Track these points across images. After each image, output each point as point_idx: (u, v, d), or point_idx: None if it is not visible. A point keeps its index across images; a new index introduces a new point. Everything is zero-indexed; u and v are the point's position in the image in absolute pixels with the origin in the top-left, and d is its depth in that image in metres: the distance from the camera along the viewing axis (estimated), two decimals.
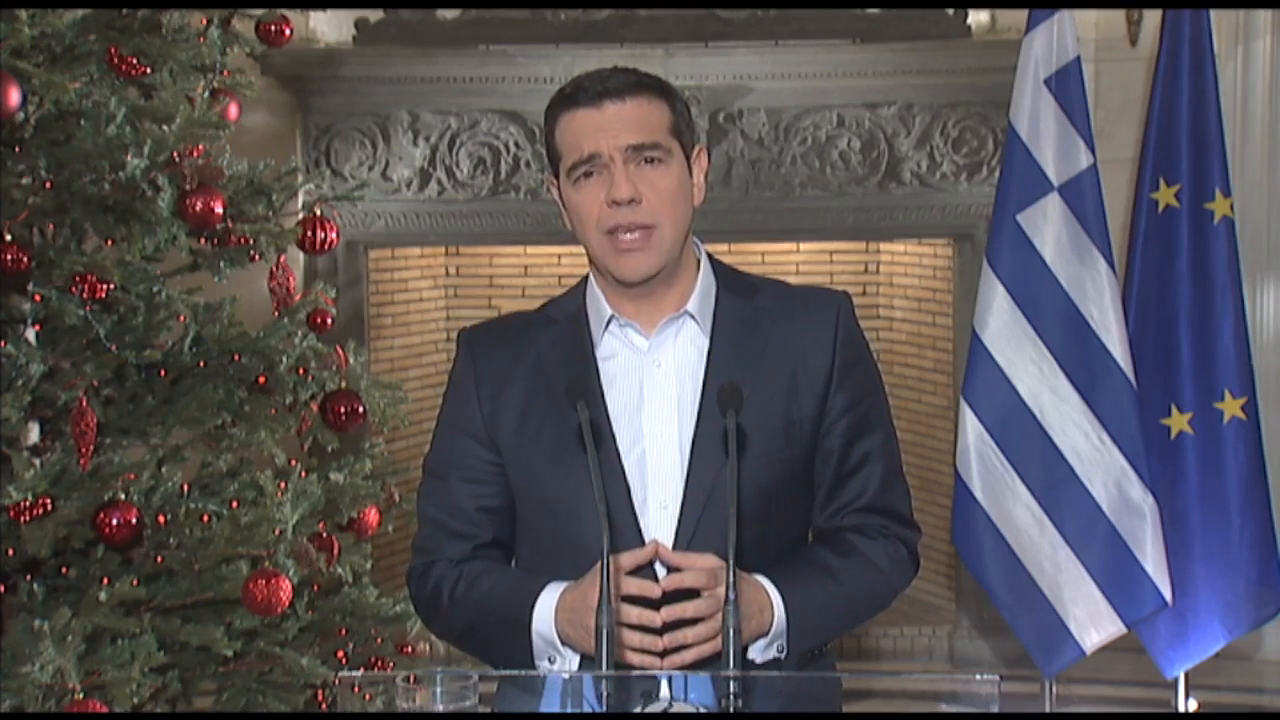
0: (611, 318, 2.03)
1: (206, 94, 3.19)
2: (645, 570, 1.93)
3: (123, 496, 2.87)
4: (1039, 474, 3.68)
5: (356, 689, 1.73)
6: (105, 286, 2.91)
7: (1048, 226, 3.69)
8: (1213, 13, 3.80)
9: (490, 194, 5.00)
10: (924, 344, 5.37)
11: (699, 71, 4.82)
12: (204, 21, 3.33)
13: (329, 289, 3.46)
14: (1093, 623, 3.67)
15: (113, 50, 3.00)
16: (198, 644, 2.94)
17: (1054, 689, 3.84)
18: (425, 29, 4.99)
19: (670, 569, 1.91)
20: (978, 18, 5.00)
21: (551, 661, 1.93)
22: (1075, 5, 3.79)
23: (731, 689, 1.68)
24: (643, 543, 1.95)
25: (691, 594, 1.87)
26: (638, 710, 1.70)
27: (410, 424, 3.78)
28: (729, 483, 1.80)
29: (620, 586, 1.85)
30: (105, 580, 2.89)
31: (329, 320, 3.41)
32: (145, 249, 3.00)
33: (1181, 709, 3.88)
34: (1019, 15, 4.05)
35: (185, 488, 3.04)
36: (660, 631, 1.87)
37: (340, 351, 3.34)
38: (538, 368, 2.04)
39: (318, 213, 3.34)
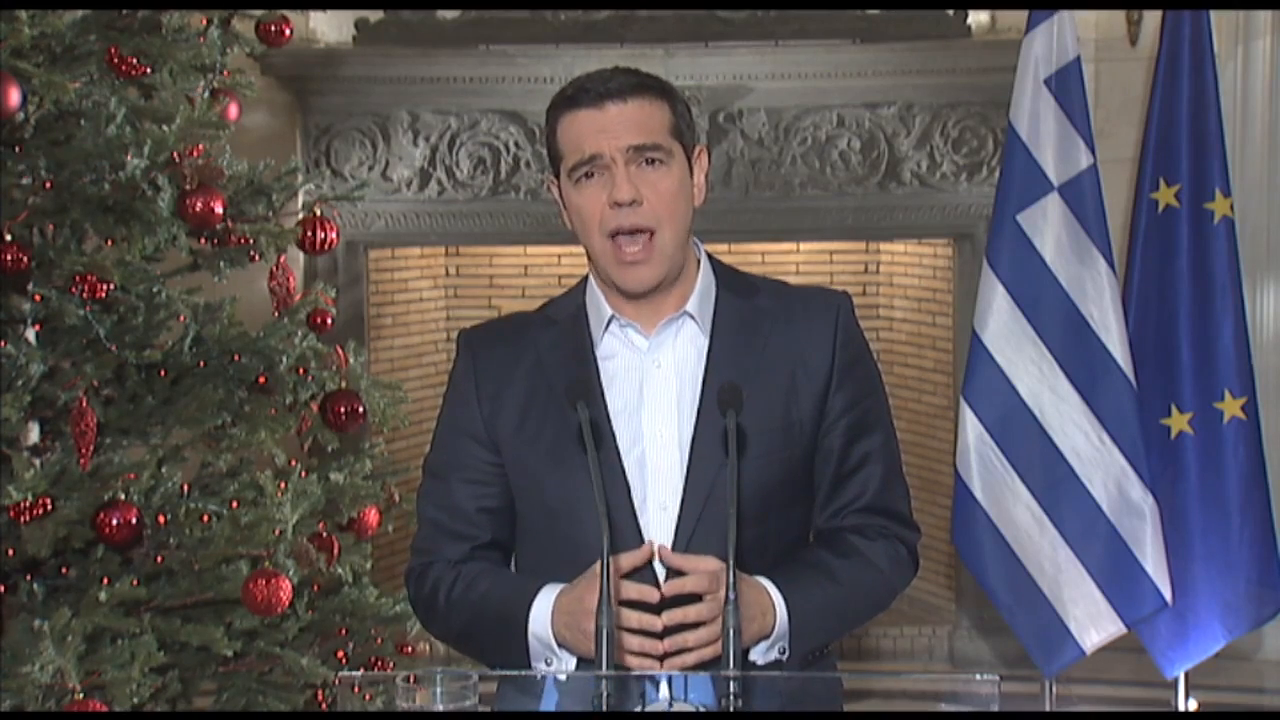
0: (612, 318, 2.03)
1: (206, 94, 3.19)
2: (644, 571, 1.93)
3: (123, 496, 2.87)
4: (1039, 474, 3.68)
5: (356, 689, 1.72)
6: (105, 286, 2.91)
7: (1048, 226, 3.69)
8: (1213, 13, 3.80)
9: (490, 194, 5.00)
10: (924, 344, 5.37)
11: (699, 71, 4.82)
12: (204, 21, 3.33)
13: (329, 289, 3.46)
14: (1093, 623, 3.67)
15: (113, 50, 3.00)
16: (198, 644, 2.94)
17: (1054, 689, 3.84)
18: (425, 29, 4.99)
19: (671, 572, 1.91)
20: (978, 18, 5.00)
21: (548, 664, 1.93)
22: (1075, 5, 3.79)
23: (731, 689, 1.68)
24: (642, 543, 1.95)
25: (692, 598, 1.87)
26: (638, 710, 1.70)
27: (410, 424, 3.78)
28: (729, 482, 1.80)
29: (619, 591, 1.85)
30: (105, 580, 2.89)
31: (329, 320, 3.41)
32: (145, 249, 3.01)
33: (1181, 709, 3.88)
34: (1019, 15, 4.04)
35: (185, 488, 3.04)
36: (661, 635, 1.86)
37: (340, 351, 3.34)
38: (538, 368, 2.04)
39: (318, 213, 3.34)
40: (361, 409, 3.30)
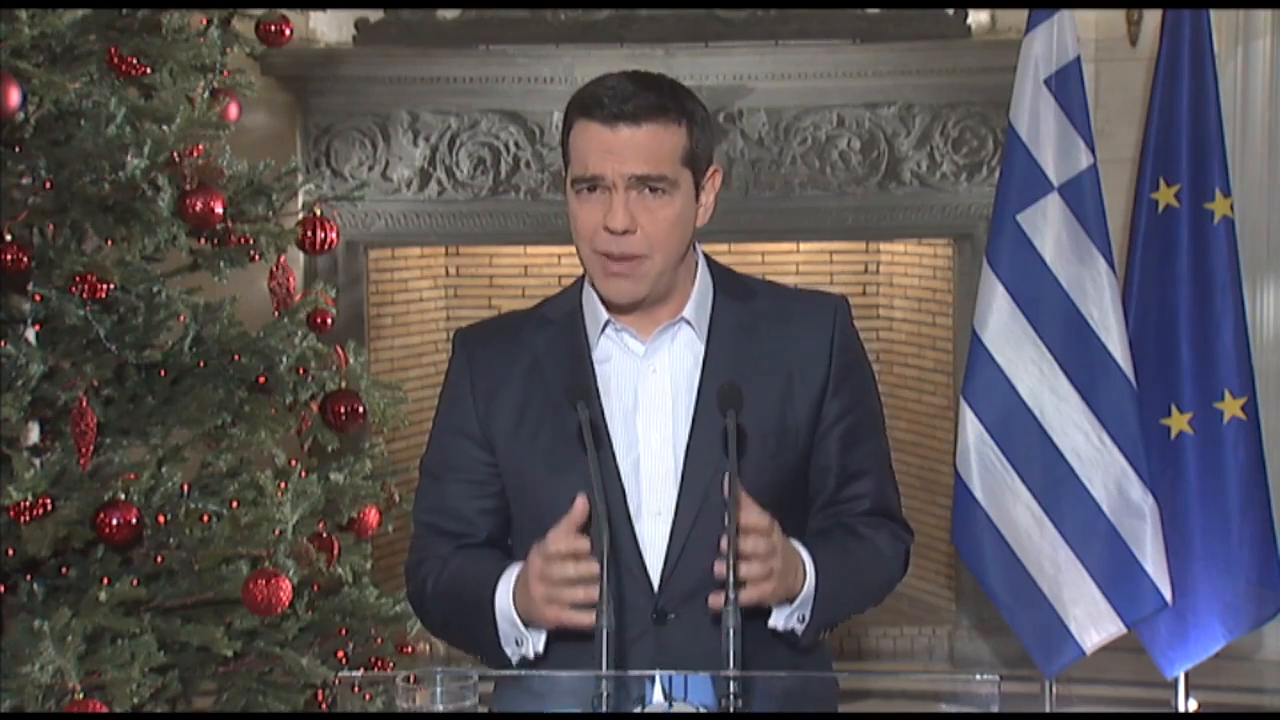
0: (608, 322, 2.02)
1: (206, 94, 3.18)
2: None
3: (123, 496, 2.87)
4: (1039, 474, 3.68)
5: (356, 689, 1.72)
6: (105, 286, 2.91)
7: (1048, 226, 3.69)
8: (1213, 13, 3.80)
9: (490, 194, 4.99)
10: (924, 344, 5.37)
11: (699, 71, 4.82)
12: (204, 21, 3.33)
13: (329, 289, 3.46)
14: (1093, 623, 3.67)
15: (113, 50, 3.00)
16: (198, 644, 2.94)
17: (1054, 689, 3.84)
18: (425, 29, 4.99)
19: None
20: (978, 18, 5.00)
21: (519, 644, 1.92)
22: (1075, 5, 3.79)
23: (731, 689, 1.67)
24: (638, 548, 1.95)
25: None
26: (637, 710, 1.70)
27: (410, 424, 3.78)
28: (729, 481, 1.79)
29: (550, 541, 1.82)
30: (105, 580, 2.89)
31: (329, 320, 3.41)
32: (145, 249, 3.00)
33: (1181, 709, 3.88)
34: (1019, 15, 4.04)
35: (185, 488, 3.04)
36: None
37: (340, 351, 3.34)
38: (534, 369, 2.04)
39: (318, 213, 3.34)
40: (361, 409, 3.30)
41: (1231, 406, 3.72)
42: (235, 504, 3.04)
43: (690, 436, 1.98)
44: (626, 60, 4.71)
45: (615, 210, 1.91)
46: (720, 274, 2.08)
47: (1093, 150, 3.69)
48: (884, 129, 4.97)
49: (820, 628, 1.96)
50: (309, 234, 3.32)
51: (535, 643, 1.92)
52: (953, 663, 5.12)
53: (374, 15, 5.00)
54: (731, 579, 1.74)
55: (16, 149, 2.94)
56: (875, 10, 4.95)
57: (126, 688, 2.75)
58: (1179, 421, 3.75)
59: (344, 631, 3.27)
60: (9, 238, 2.84)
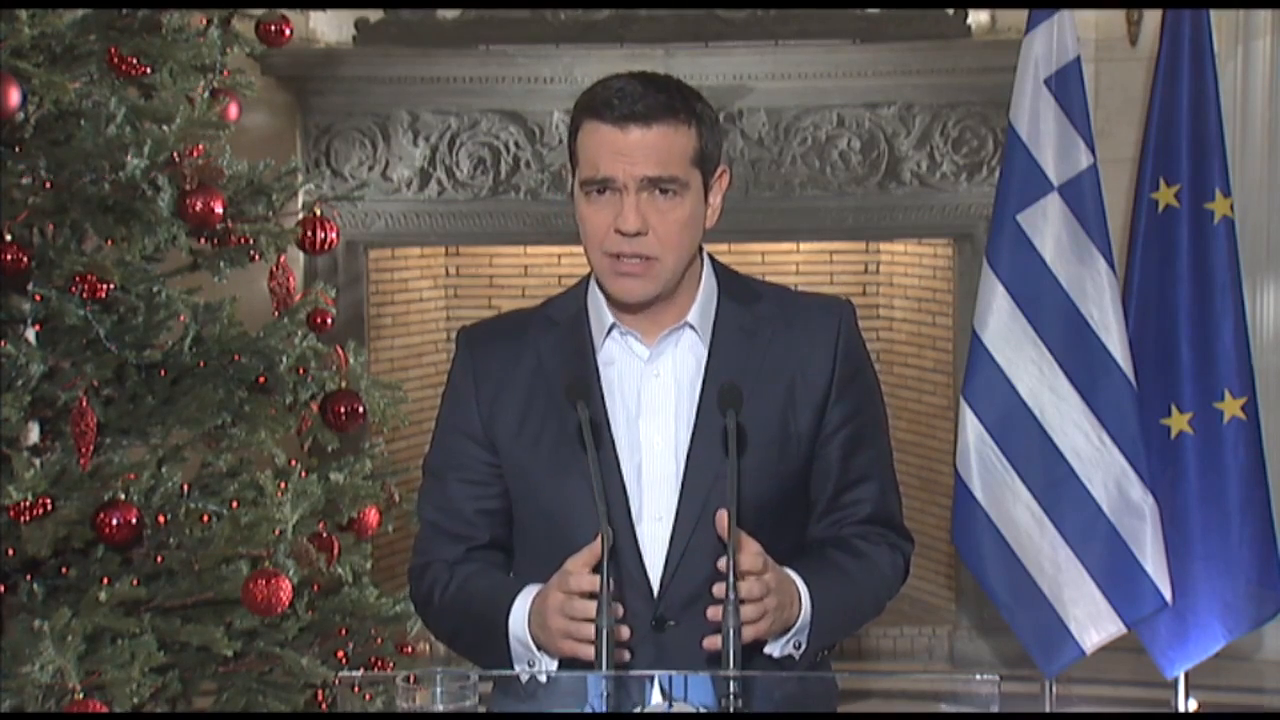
0: (613, 325, 2.02)
1: (206, 94, 3.18)
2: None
3: (123, 496, 2.87)
4: (1039, 474, 3.68)
5: (356, 689, 1.72)
6: (105, 286, 2.91)
7: (1048, 226, 3.69)
8: (1213, 13, 3.80)
9: (490, 194, 4.99)
10: (924, 344, 5.37)
11: (699, 71, 4.82)
12: (204, 21, 3.33)
13: (329, 289, 3.46)
14: (1093, 623, 3.67)
15: (113, 50, 3.00)
16: (198, 644, 2.94)
17: (1054, 689, 3.84)
18: (425, 29, 4.99)
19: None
20: (978, 18, 5.00)
21: (531, 665, 1.92)
22: (1075, 5, 3.79)
23: (731, 689, 1.67)
24: (639, 552, 1.95)
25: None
26: (637, 710, 1.70)
27: (410, 424, 3.78)
28: (729, 481, 1.79)
29: (574, 582, 1.82)
30: (105, 580, 2.89)
31: (329, 320, 3.41)
32: (145, 249, 3.00)
33: (1181, 709, 3.88)
34: (1019, 15, 4.04)
35: (185, 488, 3.04)
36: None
37: (340, 351, 3.34)
38: (538, 370, 2.03)
39: (318, 213, 3.34)
40: (361, 409, 3.30)
41: (1231, 406, 3.72)
42: (235, 504, 3.04)
43: (691, 441, 1.97)
44: (626, 60, 4.71)
45: (627, 212, 1.91)
46: (725, 277, 2.08)
47: (1093, 150, 3.69)
48: (884, 129, 4.97)
49: (816, 651, 1.96)
50: (309, 234, 3.32)
51: (548, 665, 1.91)
52: (953, 663, 5.12)
53: (374, 15, 5.00)
54: (731, 579, 1.74)
55: (16, 149, 2.94)
56: (875, 10, 4.95)
57: (126, 688, 2.75)
58: (1179, 421, 3.75)
59: (344, 631, 3.27)
60: (9, 238, 2.84)
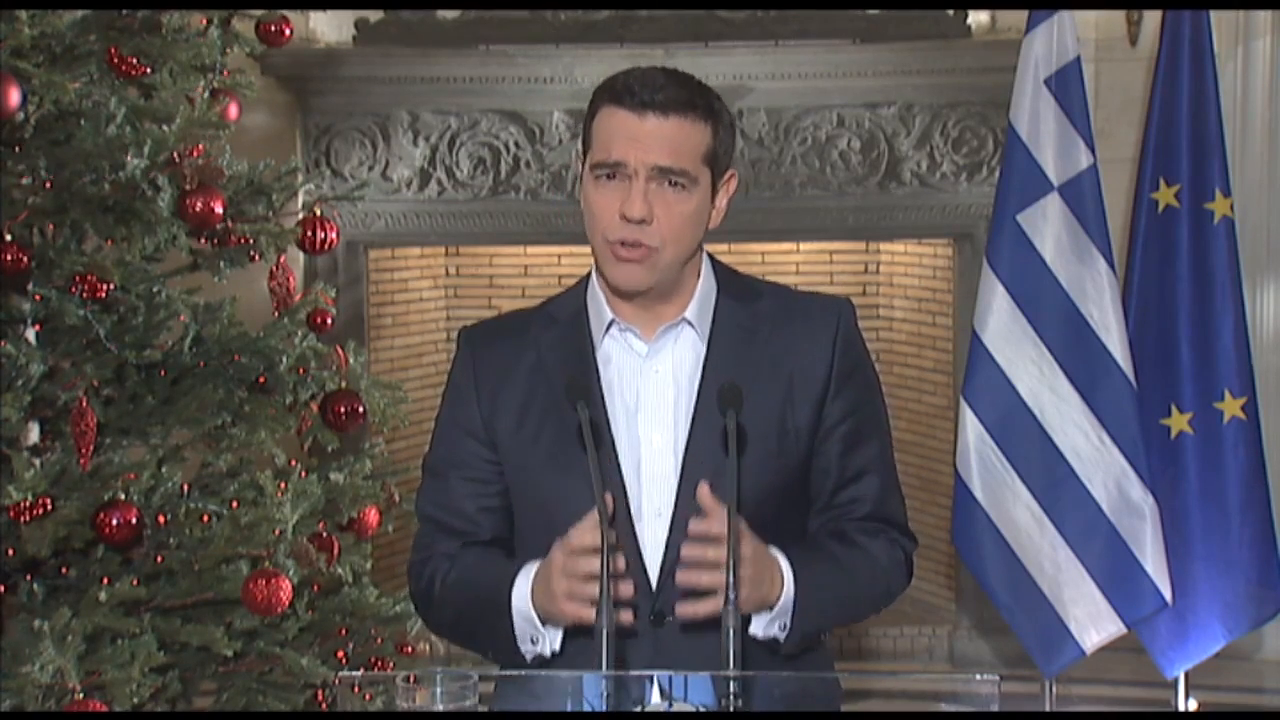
0: (612, 321, 2.03)
1: (206, 94, 3.18)
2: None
3: (123, 496, 2.87)
4: (1039, 474, 3.68)
5: (356, 689, 1.72)
6: (105, 286, 2.91)
7: (1048, 226, 3.69)
8: (1213, 13, 3.80)
9: (490, 194, 4.99)
10: (924, 344, 5.37)
11: (699, 71, 4.74)
12: (204, 21, 3.33)
13: (329, 289, 3.46)
14: (1093, 623, 3.67)
15: (113, 50, 3.00)
16: (198, 644, 2.94)
17: (1054, 689, 3.84)
18: (425, 29, 4.99)
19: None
20: (978, 18, 5.00)
21: (534, 643, 1.92)
22: (1075, 5, 3.79)
23: (731, 689, 1.67)
24: (639, 549, 1.95)
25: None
26: (637, 710, 1.70)
27: (410, 424, 3.78)
28: (729, 481, 1.80)
29: (575, 538, 1.83)
30: (105, 580, 2.89)
31: (329, 320, 3.41)
32: (145, 249, 3.00)
33: (1181, 709, 3.88)
34: (1019, 15, 4.04)
35: (185, 488, 3.04)
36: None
37: (340, 351, 3.33)
38: (538, 368, 2.04)
39: (318, 213, 3.34)
40: (361, 409, 3.30)
41: (1231, 406, 3.72)
42: (235, 504, 3.04)
43: (690, 437, 1.98)
44: (626, 60, 4.70)
45: (634, 198, 1.92)
46: (725, 275, 2.09)
47: (1093, 150, 3.69)
48: (884, 129, 4.97)
49: (805, 636, 1.96)
50: (309, 234, 3.31)
51: (552, 640, 1.92)
52: (953, 663, 5.12)
53: (374, 15, 5.00)
54: (731, 579, 1.74)
55: (16, 149, 2.94)
56: (875, 10, 4.95)
57: (126, 688, 2.75)
58: (1179, 421, 3.75)
59: (344, 631, 3.26)
60: (9, 238, 2.84)
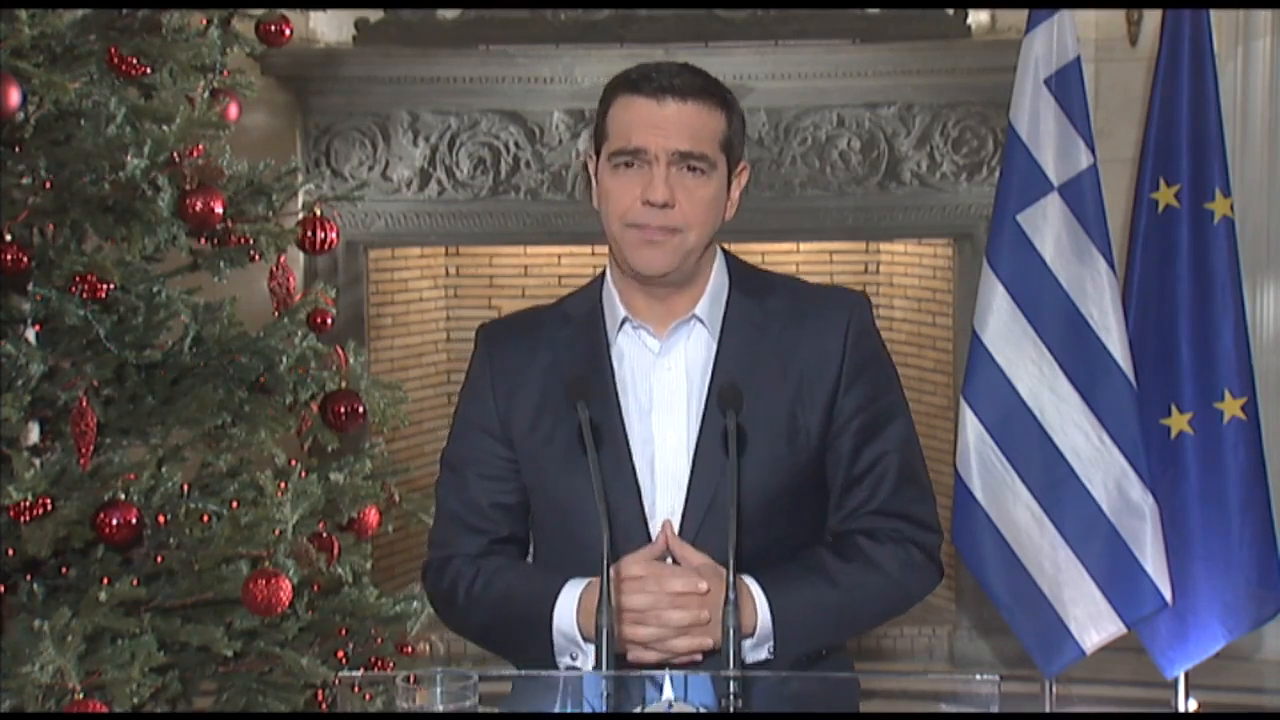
0: (625, 319, 2.03)
1: (206, 94, 3.18)
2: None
3: (123, 496, 2.86)
4: (1039, 474, 3.67)
5: (356, 689, 1.72)
6: (105, 286, 2.91)
7: (1048, 226, 3.69)
8: (1213, 13, 3.80)
9: (490, 194, 4.99)
10: (924, 344, 5.37)
11: None
12: (204, 21, 3.33)
13: (329, 289, 3.46)
14: (1093, 623, 3.67)
15: (113, 50, 3.00)
16: (198, 644, 2.93)
17: (1054, 689, 3.84)
18: (425, 29, 4.99)
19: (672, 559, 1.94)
20: (978, 18, 5.00)
21: (573, 658, 1.93)
22: (1075, 5, 3.79)
23: (731, 689, 1.68)
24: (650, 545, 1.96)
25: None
26: (638, 710, 1.70)
27: (410, 424, 3.78)
28: (729, 482, 1.80)
29: (625, 570, 1.86)
30: (105, 580, 2.89)
31: (329, 320, 3.40)
32: (145, 249, 3.00)
33: (1181, 709, 3.88)
34: (1019, 15, 4.04)
35: (185, 488, 3.04)
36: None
37: (340, 351, 3.33)
38: (553, 367, 2.04)
39: (318, 213, 3.34)
40: (361, 409, 3.29)
41: (1231, 406, 3.72)
42: (235, 504, 3.03)
43: (699, 435, 1.98)
44: (626, 60, 4.68)
45: (656, 183, 1.93)
46: (738, 269, 2.09)
47: (1093, 150, 3.69)
48: (884, 129, 4.97)
49: (802, 653, 1.96)
50: (309, 234, 3.31)
51: (593, 657, 1.92)
52: (953, 663, 5.12)
53: (374, 15, 5.00)
54: (730, 579, 1.74)
55: (16, 149, 2.94)
56: (875, 10, 4.95)
57: (126, 688, 2.75)
58: (1179, 421, 3.75)
59: (344, 631, 3.26)
60: (9, 238, 2.84)
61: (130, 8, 3.06)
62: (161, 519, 2.96)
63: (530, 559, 2.11)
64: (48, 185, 2.94)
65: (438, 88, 4.96)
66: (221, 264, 3.21)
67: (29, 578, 2.96)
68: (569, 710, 1.77)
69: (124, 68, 3.01)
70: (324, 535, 3.23)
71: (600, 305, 2.06)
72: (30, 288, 2.94)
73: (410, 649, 3.40)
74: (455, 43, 4.96)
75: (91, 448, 2.87)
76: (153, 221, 2.96)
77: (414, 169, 4.99)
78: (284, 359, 3.21)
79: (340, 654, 3.23)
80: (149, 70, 3.05)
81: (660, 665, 1.88)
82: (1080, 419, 3.66)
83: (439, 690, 1.65)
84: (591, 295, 2.09)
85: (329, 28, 5.02)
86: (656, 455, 1.99)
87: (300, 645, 3.14)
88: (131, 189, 2.95)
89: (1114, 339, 3.65)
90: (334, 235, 3.35)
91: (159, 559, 2.98)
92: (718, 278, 2.06)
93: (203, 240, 3.17)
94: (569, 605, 1.92)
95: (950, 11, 4.94)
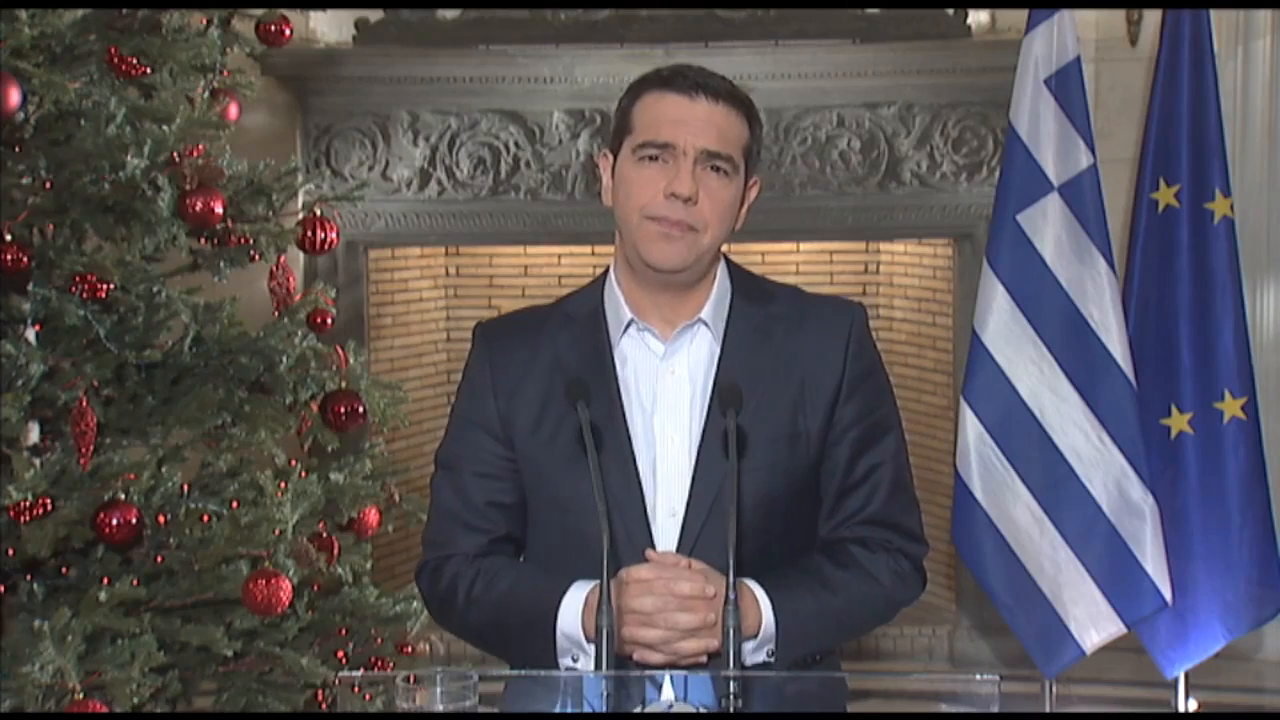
0: (630, 321, 2.03)
1: (206, 94, 3.18)
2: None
3: (123, 496, 2.86)
4: (1039, 474, 3.68)
5: (356, 689, 1.72)
6: (105, 286, 2.91)
7: (1048, 226, 3.69)
8: (1213, 13, 3.80)
9: (490, 194, 4.99)
10: (924, 344, 5.37)
11: None
12: (204, 21, 3.33)
13: (329, 289, 3.46)
14: (1093, 623, 3.67)
15: (113, 50, 3.00)
16: (198, 644, 2.94)
17: (1054, 689, 3.84)
18: (425, 29, 4.99)
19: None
20: (978, 18, 5.00)
21: (574, 659, 1.93)
22: (1075, 5, 3.79)
23: (731, 689, 1.68)
24: (653, 546, 1.96)
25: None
26: (638, 710, 1.70)
27: (410, 424, 3.78)
28: (729, 482, 1.80)
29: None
30: (105, 580, 2.89)
31: (329, 320, 3.40)
32: (145, 249, 3.00)
33: (1181, 709, 3.88)
34: (1019, 15, 4.04)
35: (185, 488, 3.04)
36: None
37: (340, 351, 3.33)
38: (555, 367, 2.04)
39: (318, 213, 3.34)
40: (361, 409, 3.29)
41: (1231, 406, 3.72)
42: (235, 504, 3.03)
43: (702, 438, 1.98)
44: (626, 60, 4.71)
45: (683, 176, 1.94)
46: (739, 276, 2.10)
47: (1093, 150, 3.69)
48: (884, 129, 4.97)
49: (799, 656, 1.96)
50: (309, 234, 3.31)
51: (594, 659, 1.92)
52: (953, 663, 5.12)
53: (374, 15, 5.00)
54: (731, 579, 1.74)
55: (16, 149, 2.94)
56: (875, 10, 4.95)
57: (126, 688, 2.75)
58: (1179, 421, 3.76)
59: (344, 631, 3.26)
60: (9, 238, 2.84)
61: (130, 8, 3.06)
62: (161, 519, 2.96)
63: (522, 559, 2.11)
64: (48, 185, 2.94)
65: (438, 88, 4.96)
66: (221, 264, 3.21)
67: (29, 578, 2.96)
68: (569, 710, 1.77)
69: (124, 68, 3.01)
70: (324, 535, 3.23)
71: (603, 306, 2.06)
72: (30, 288, 2.94)
73: (410, 649, 3.40)
74: (455, 43, 4.96)
75: (91, 448, 2.87)
76: (153, 221, 2.96)
77: (414, 169, 4.99)
78: (284, 359, 3.21)
79: (340, 654, 3.23)
80: (149, 70, 3.05)
81: (666, 667, 1.88)
82: (1080, 419, 3.66)
83: (439, 690, 1.65)
84: (593, 296, 2.09)
85: (329, 28, 5.02)
86: (659, 456, 1.99)
87: (300, 645, 3.15)
88: (131, 189, 2.95)
89: (1114, 339, 3.65)
90: (334, 235, 3.35)
91: (159, 559, 2.98)
92: (721, 283, 2.06)
93: (203, 240, 3.18)
94: (574, 607, 1.92)
95: (950, 11, 4.94)
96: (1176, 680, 3.85)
